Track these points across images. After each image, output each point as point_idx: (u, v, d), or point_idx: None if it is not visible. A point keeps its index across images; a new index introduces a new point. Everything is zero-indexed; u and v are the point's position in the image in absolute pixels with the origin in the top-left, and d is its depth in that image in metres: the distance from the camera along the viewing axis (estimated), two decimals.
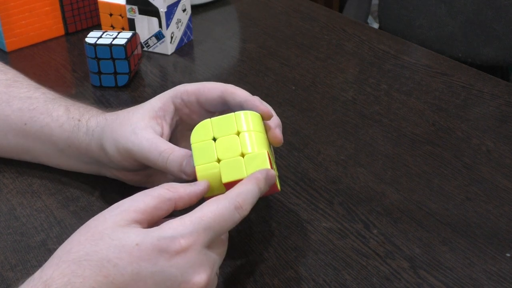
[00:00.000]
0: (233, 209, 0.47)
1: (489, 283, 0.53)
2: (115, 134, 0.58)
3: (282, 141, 0.56)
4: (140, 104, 0.60)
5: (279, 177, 0.60)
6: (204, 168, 0.52)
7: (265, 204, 0.62)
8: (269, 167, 0.52)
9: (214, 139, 0.53)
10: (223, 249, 0.49)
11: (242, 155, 0.52)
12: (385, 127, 0.74)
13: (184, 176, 0.54)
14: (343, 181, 0.65)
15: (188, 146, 0.60)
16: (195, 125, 0.56)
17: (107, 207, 0.61)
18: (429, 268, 0.54)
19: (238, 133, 0.53)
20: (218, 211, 0.46)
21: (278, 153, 0.69)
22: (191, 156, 0.54)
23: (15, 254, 0.56)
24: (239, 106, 0.56)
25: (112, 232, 0.45)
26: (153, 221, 0.47)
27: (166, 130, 0.58)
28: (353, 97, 0.80)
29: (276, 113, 0.76)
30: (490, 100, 0.79)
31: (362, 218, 0.60)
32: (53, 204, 0.62)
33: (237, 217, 0.47)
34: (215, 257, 0.47)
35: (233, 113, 0.54)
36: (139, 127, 0.57)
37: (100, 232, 0.45)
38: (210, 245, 0.47)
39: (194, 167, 0.53)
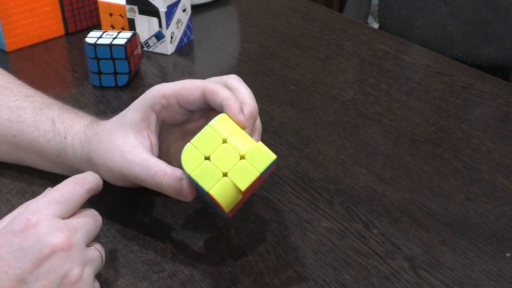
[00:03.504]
0: (74, 183, 0.51)
1: (489, 283, 0.53)
2: (106, 161, 0.57)
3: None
4: (120, 117, 0.58)
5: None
6: (218, 188, 0.51)
7: (265, 204, 0.62)
8: (275, 156, 0.51)
9: (208, 158, 0.52)
10: (86, 218, 0.51)
11: (242, 157, 0.51)
12: (385, 127, 0.74)
13: (182, 198, 0.54)
14: (343, 181, 0.65)
15: (176, 140, 0.60)
16: (179, 122, 0.56)
17: (108, 207, 0.62)
18: (429, 268, 0.54)
19: (224, 141, 0.52)
20: (61, 187, 0.50)
21: (278, 153, 0.69)
22: (182, 178, 0.53)
23: None
24: (220, 107, 0.54)
25: None
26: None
27: (154, 139, 0.57)
28: (353, 97, 0.80)
29: (276, 113, 0.76)
30: (490, 100, 0.79)
31: (362, 218, 0.60)
32: None
33: (80, 189, 0.51)
34: (69, 221, 0.49)
35: (207, 125, 0.53)
36: (127, 150, 0.56)
37: None
38: (65, 215, 0.49)
39: (189, 188, 0.53)
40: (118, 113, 0.60)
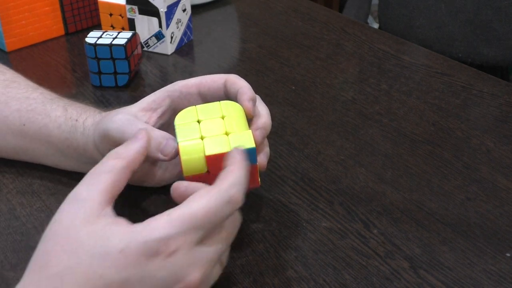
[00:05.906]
0: (226, 203, 0.43)
1: (489, 283, 0.53)
2: (101, 122, 0.58)
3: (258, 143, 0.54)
4: None
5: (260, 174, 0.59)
6: (187, 144, 0.51)
7: (265, 204, 0.62)
8: (254, 145, 0.51)
9: (199, 122, 0.53)
10: (221, 244, 0.45)
11: (227, 134, 0.52)
12: (385, 127, 0.74)
13: (161, 156, 0.53)
14: (343, 181, 0.65)
15: None
16: None
17: None
18: (429, 268, 0.54)
19: (223, 117, 0.54)
20: (210, 207, 0.42)
21: (278, 153, 0.69)
22: (172, 138, 0.54)
23: (15, 254, 0.56)
24: (236, 95, 0.57)
25: (89, 237, 0.42)
26: (116, 195, 0.46)
27: (153, 122, 0.58)
28: (353, 97, 0.80)
29: (276, 113, 0.76)
30: (490, 100, 0.79)
31: (362, 218, 0.60)
32: (53, 204, 0.62)
33: (229, 211, 0.44)
34: (210, 251, 0.44)
35: (219, 102, 0.55)
36: (123, 112, 0.57)
37: (76, 239, 0.42)
38: (202, 241, 0.43)
39: (174, 147, 0.53)
40: None
